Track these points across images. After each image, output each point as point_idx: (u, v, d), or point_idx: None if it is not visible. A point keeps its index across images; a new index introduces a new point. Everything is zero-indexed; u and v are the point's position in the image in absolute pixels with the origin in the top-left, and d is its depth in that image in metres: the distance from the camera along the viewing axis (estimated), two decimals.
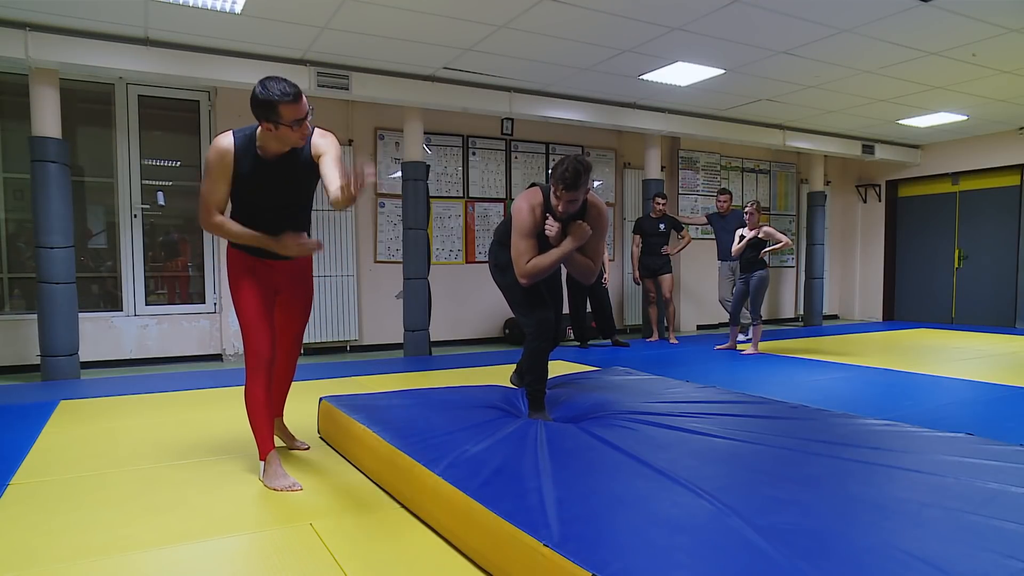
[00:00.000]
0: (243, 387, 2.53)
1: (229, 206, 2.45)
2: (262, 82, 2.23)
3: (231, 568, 1.81)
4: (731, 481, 1.98)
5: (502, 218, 7.31)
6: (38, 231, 4.76)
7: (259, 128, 2.32)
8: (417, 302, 6.11)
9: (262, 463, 2.49)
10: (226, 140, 2.34)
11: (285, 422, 2.96)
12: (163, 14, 4.46)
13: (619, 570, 1.39)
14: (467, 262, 7.23)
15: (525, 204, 2.88)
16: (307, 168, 2.42)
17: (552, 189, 2.79)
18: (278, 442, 2.89)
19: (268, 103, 2.21)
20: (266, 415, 2.50)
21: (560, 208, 2.79)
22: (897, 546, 1.51)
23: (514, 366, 3.77)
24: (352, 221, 6.54)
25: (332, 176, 2.30)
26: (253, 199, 2.43)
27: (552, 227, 2.83)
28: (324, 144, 2.40)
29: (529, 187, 3.03)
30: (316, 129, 2.44)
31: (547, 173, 7.59)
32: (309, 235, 2.60)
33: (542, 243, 2.89)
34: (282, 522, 2.11)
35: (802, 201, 9.64)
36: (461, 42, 5.06)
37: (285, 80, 2.24)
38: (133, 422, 3.47)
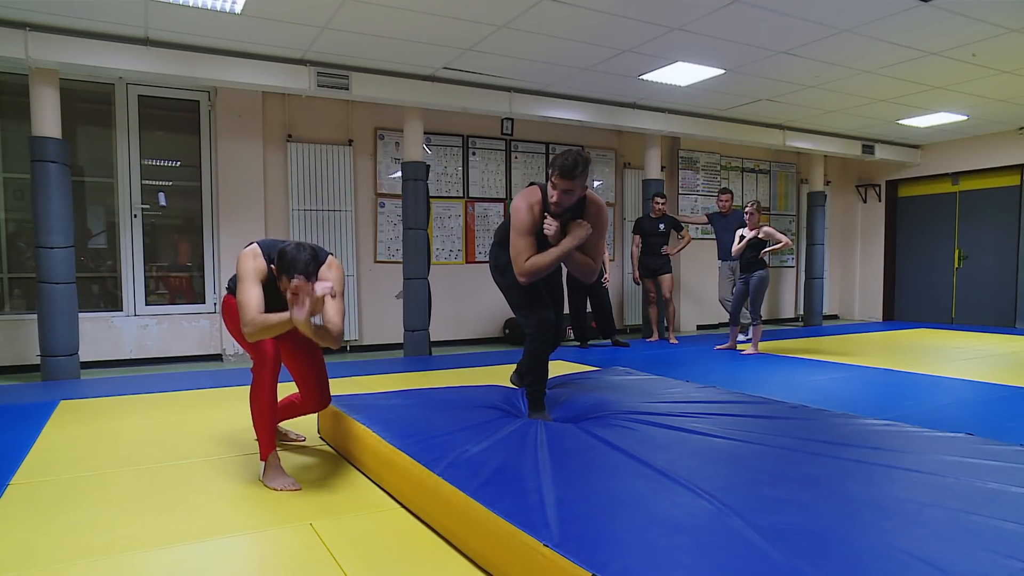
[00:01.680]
0: (243, 387, 2.53)
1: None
2: (297, 245, 2.31)
3: (231, 568, 1.81)
4: (731, 481, 1.98)
5: (502, 218, 7.31)
6: (38, 231, 4.76)
7: None
8: (417, 302, 6.11)
9: (262, 463, 2.49)
10: (260, 260, 2.42)
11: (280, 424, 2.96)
12: (163, 14, 4.46)
13: (619, 570, 1.39)
14: (467, 262, 7.23)
15: (524, 202, 2.87)
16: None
17: (551, 180, 2.77)
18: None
19: (283, 268, 2.27)
20: (271, 416, 2.50)
21: (555, 199, 2.76)
22: (897, 546, 1.51)
23: (514, 366, 3.77)
24: (352, 221, 6.54)
25: (329, 315, 2.41)
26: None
27: (551, 226, 2.81)
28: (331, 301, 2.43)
29: (528, 186, 3.02)
30: (331, 258, 2.52)
31: (547, 173, 7.58)
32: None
33: (541, 242, 2.88)
34: (282, 522, 2.11)
35: (802, 201, 9.64)
36: (461, 42, 5.06)
37: (310, 257, 2.29)
38: (133, 422, 3.47)
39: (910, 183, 9.71)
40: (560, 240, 2.84)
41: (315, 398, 2.77)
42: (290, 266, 2.24)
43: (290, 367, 2.72)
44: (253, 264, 2.42)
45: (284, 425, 3.05)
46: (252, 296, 2.34)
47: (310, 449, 2.96)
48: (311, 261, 2.28)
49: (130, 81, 5.65)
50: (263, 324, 2.30)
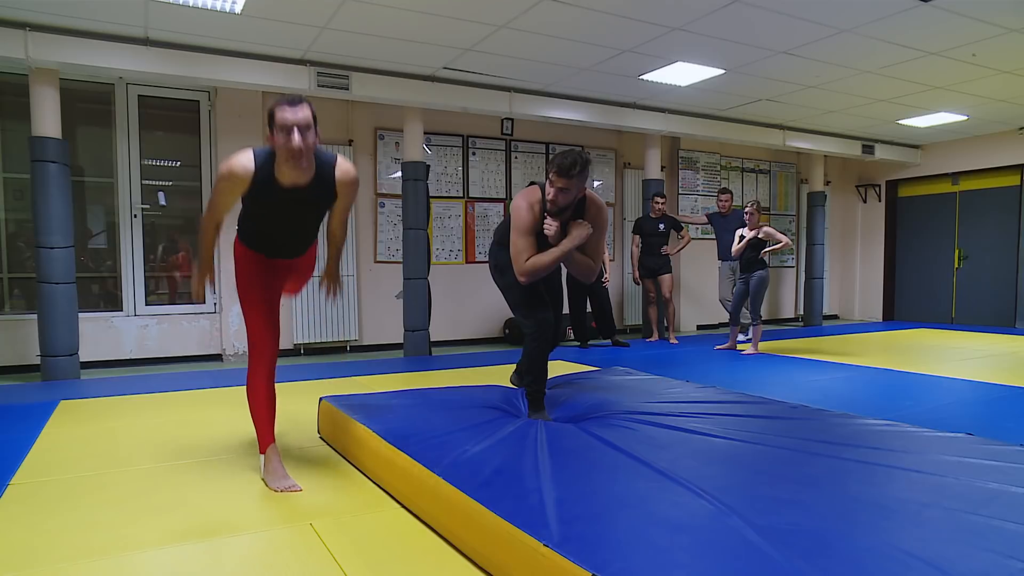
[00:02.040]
0: (243, 387, 2.53)
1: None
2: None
3: (231, 568, 1.81)
4: (731, 481, 1.98)
5: (502, 218, 7.31)
6: (38, 231, 4.76)
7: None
8: (417, 302, 6.11)
9: (262, 457, 2.50)
10: (246, 161, 2.27)
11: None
12: (163, 14, 4.46)
13: (619, 570, 1.39)
14: (467, 262, 7.23)
15: (524, 202, 2.87)
16: (328, 195, 2.42)
17: (549, 178, 2.77)
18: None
19: (270, 111, 2.21)
20: (266, 407, 2.50)
21: (551, 196, 2.76)
22: (897, 546, 1.51)
23: (514, 366, 3.77)
24: (352, 221, 6.54)
25: (336, 225, 2.58)
26: (263, 212, 2.43)
27: (551, 226, 2.81)
28: (350, 188, 2.44)
29: (528, 185, 3.02)
30: (346, 162, 2.44)
31: (547, 173, 7.58)
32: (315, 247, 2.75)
33: (541, 242, 2.87)
34: (282, 522, 2.11)
35: (802, 201, 9.64)
36: (461, 42, 5.06)
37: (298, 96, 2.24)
38: (133, 422, 3.47)
39: (910, 183, 9.71)
40: (560, 240, 2.83)
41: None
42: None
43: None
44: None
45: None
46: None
47: (310, 449, 2.96)
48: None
49: (130, 81, 5.65)
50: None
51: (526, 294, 3.01)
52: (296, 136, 2.17)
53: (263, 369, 2.48)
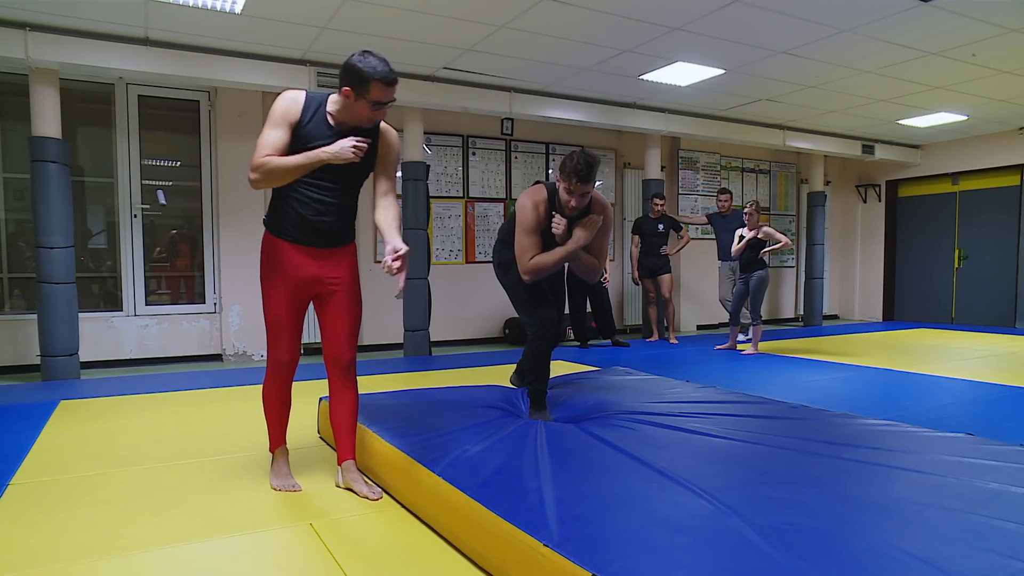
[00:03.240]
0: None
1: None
2: (363, 52, 2.19)
3: (231, 568, 1.81)
4: (731, 481, 1.97)
5: (502, 218, 7.31)
6: (38, 231, 4.76)
7: (332, 95, 2.27)
8: (417, 302, 6.11)
9: (271, 455, 2.52)
10: (297, 92, 2.27)
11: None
12: (163, 14, 4.46)
13: (619, 570, 1.39)
14: (467, 262, 7.22)
15: (529, 201, 2.87)
16: (370, 154, 2.32)
17: (563, 184, 2.77)
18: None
19: (363, 73, 2.15)
20: (277, 412, 2.48)
21: (573, 203, 2.76)
22: (897, 546, 1.51)
23: (514, 366, 3.77)
24: None
25: (384, 184, 2.38)
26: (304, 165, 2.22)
27: (559, 224, 2.82)
28: (394, 146, 2.41)
29: (533, 184, 3.01)
30: (385, 124, 2.41)
31: (547, 173, 7.59)
32: (354, 219, 2.44)
33: (547, 241, 2.88)
34: (282, 522, 2.12)
35: (802, 201, 9.64)
36: (461, 42, 5.06)
37: (386, 61, 2.20)
38: (133, 422, 3.47)
39: (910, 183, 9.71)
40: (566, 239, 2.83)
41: (338, 361, 2.42)
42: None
43: (324, 320, 2.42)
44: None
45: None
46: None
47: (310, 449, 2.96)
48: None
49: (130, 81, 5.65)
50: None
51: (529, 292, 3.01)
52: (385, 110, 2.25)
53: (278, 379, 2.42)
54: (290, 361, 2.42)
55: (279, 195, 2.31)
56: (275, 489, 2.40)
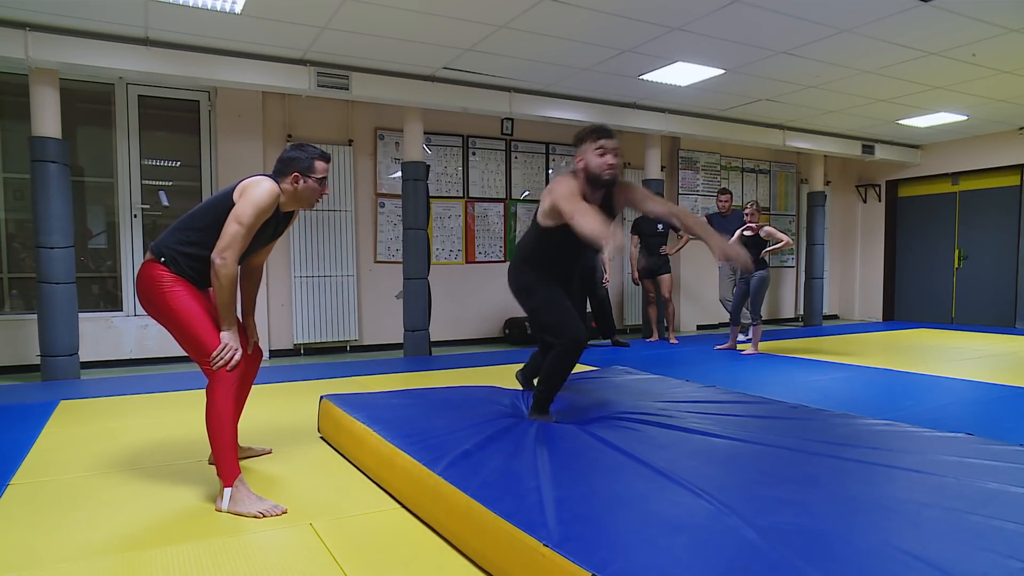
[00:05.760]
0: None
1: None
2: (294, 145, 2.44)
3: (231, 568, 1.81)
4: (731, 481, 1.98)
5: (502, 218, 7.32)
6: (38, 231, 4.76)
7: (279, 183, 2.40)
8: (417, 302, 6.11)
9: (227, 491, 2.19)
10: (275, 187, 2.38)
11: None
12: (163, 14, 4.46)
13: (619, 570, 1.39)
14: (467, 262, 7.21)
15: (563, 177, 2.79)
16: (286, 221, 2.58)
17: (593, 150, 2.71)
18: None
19: (306, 159, 2.40)
20: (233, 433, 2.27)
21: (610, 161, 2.70)
22: (897, 546, 1.51)
23: (516, 366, 3.75)
24: (352, 221, 6.54)
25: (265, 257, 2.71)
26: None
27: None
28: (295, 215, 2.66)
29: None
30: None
31: (547, 174, 7.59)
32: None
33: (566, 244, 2.79)
34: (282, 522, 2.11)
35: (802, 201, 9.64)
36: (461, 42, 5.06)
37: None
38: (133, 422, 3.47)
39: (910, 183, 9.71)
40: (604, 226, 2.54)
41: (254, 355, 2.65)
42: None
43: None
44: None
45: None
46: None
47: (310, 448, 2.96)
48: None
49: (130, 81, 5.65)
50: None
51: (556, 313, 2.88)
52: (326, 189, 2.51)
53: (232, 390, 2.27)
54: (242, 364, 2.36)
55: (189, 244, 2.49)
56: (262, 515, 2.15)
